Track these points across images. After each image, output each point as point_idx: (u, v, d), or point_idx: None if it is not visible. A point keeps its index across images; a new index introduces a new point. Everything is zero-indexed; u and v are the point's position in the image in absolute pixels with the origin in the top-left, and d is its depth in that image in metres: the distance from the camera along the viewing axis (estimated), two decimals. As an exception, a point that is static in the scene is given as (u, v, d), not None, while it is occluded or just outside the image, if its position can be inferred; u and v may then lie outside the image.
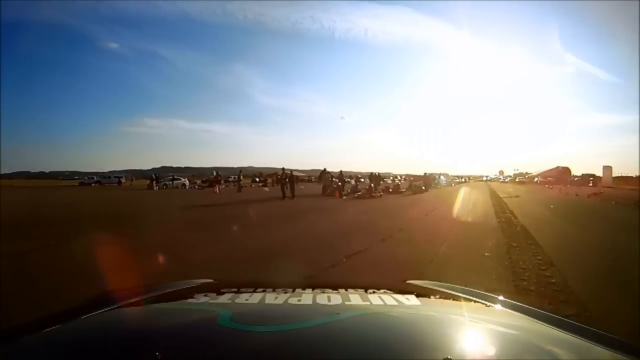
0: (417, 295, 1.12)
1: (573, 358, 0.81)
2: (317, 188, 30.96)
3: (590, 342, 0.83)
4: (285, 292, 1.08)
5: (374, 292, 1.11)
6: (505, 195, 23.11)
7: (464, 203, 16.87)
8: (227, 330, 0.81)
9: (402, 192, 26.15)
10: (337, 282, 1.76)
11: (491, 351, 0.80)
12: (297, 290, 1.13)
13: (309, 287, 1.18)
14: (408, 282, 1.55)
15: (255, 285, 1.16)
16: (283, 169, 20.56)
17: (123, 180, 55.70)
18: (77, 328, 0.93)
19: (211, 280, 1.48)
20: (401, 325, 0.91)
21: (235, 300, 1.03)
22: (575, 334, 0.88)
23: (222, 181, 29.18)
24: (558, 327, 0.92)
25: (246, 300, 1.01)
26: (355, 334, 0.82)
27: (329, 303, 0.97)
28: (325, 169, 23.21)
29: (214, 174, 28.88)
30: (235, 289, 1.14)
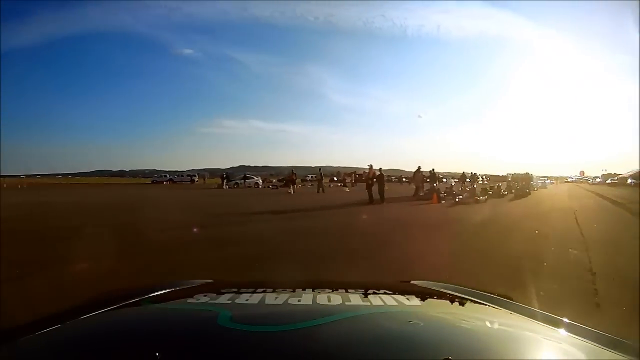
0: (418, 296, 1.19)
1: (573, 358, 0.81)
2: (401, 189, 28.46)
3: (590, 342, 0.83)
4: (285, 292, 1.09)
5: (374, 292, 1.10)
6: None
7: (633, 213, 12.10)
8: (226, 330, 0.80)
9: (504, 194, 22.17)
10: (337, 282, 1.59)
11: (491, 351, 0.79)
12: (297, 290, 1.14)
13: (309, 287, 1.17)
14: (408, 282, 1.55)
15: (255, 285, 1.17)
16: (370, 166, 17.35)
17: (196, 179, 57.18)
18: (77, 328, 0.93)
19: (211, 280, 1.50)
20: (401, 326, 0.90)
21: (235, 300, 1.04)
22: (576, 334, 0.88)
23: (296, 180, 27.30)
24: (558, 328, 0.92)
25: (246, 300, 1.02)
26: (356, 334, 0.82)
27: (329, 303, 0.98)
28: (419, 168, 19.92)
29: (291, 172, 27.14)
30: (236, 289, 1.16)
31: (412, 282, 1.54)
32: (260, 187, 37.62)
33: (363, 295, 1.08)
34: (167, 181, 55.21)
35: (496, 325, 0.97)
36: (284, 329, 0.80)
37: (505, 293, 1.31)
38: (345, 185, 38.42)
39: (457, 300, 1.20)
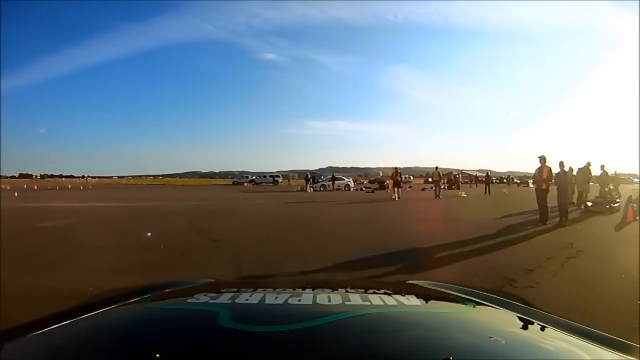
0: (417, 295, 1.16)
1: (573, 358, 0.80)
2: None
3: (590, 342, 0.83)
4: (286, 292, 1.07)
5: (374, 292, 1.09)
6: None
7: None
8: (226, 330, 0.79)
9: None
10: (338, 281, 1.67)
11: (492, 351, 0.78)
12: (297, 290, 1.13)
13: (309, 287, 1.16)
14: (408, 282, 1.56)
15: (255, 285, 1.18)
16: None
17: (280, 180, 53.72)
18: (77, 328, 0.93)
19: (211, 280, 1.49)
20: (401, 326, 0.90)
21: (235, 300, 1.03)
22: (576, 334, 0.88)
23: (401, 182, 19.97)
24: (558, 327, 0.92)
25: (246, 300, 1.01)
26: (356, 334, 0.82)
27: (329, 303, 0.97)
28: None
29: (395, 171, 19.14)
30: (236, 289, 1.15)
31: (407, 282, 1.55)
32: (351, 189, 31.06)
33: (363, 295, 1.05)
34: (248, 182, 52.62)
35: (496, 325, 0.99)
36: (284, 329, 0.79)
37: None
38: (452, 188, 30.51)
39: (457, 300, 1.18)
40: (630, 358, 0.76)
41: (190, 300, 1.10)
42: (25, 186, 37.20)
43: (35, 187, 36.00)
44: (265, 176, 55.46)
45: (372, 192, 27.21)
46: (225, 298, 1.06)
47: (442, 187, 20.33)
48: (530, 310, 1.08)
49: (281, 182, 53.32)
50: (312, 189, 28.47)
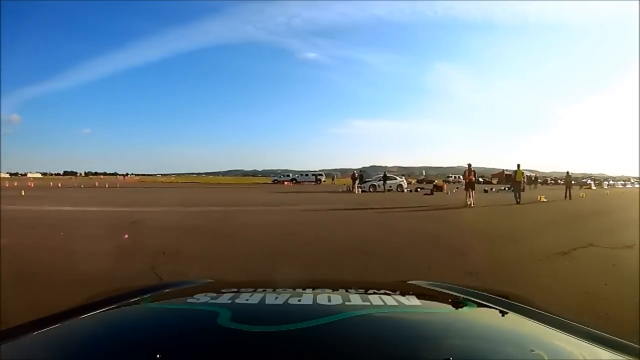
0: (417, 295, 1.16)
1: (573, 358, 0.80)
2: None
3: (590, 342, 0.83)
4: (286, 292, 1.08)
5: (374, 292, 1.09)
6: None
7: None
8: (226, 330, 0.79)
9: None
10: (337, 281, 1.68)
11: (491, 351, 0.79)
12: (297, 290, 1.13)
13: (309, 287, 1.17)
14: (408, 282, 1.56)
15: (255, 285, 1.17)
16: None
17: (323, 179, 51.49)
18: (77, 328, 0.93)
19: (211, 280, 1.51)
20: (401, 326, 0.90)
21: (235, 300, 1.03)
22: (576, 334, 0.87)
23: (475, 183, 16.54)
24: (558, 327, 0.92)
25: (246, 300, 1.01)
26: (356, 334, 0.81)
27: (329, 303, 0.96)
28: None
29: (468, 169, 15.74)
30: (236, 289, 1.15)
31: (407, 282, 1.56)
32: (405, 190, 27.68)
33: (363, 295, 1.05)
34: (289, 181, 51.05)
35: (496, 325, 1.00)
36: (284, 329, 0.79)
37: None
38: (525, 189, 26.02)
39: (457, 300, 1.19)
40: (631, 358, 0.76)
41: (190, 300, 1.09)
42: (29, 185, 37.12)
43: (57, 185, 36.52)
44: (307, 174, 53.41)
45: (431, 194, 24.06)
46: (225, 298, 1.06)
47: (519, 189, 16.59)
48: (530, 310, 1.07)
49: (324, 180, 51.04)
50: (360, 190, 25.79)
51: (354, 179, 28.45)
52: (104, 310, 1.01)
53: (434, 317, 0.99)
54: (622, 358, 0.76)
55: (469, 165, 15.89)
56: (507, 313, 1.04)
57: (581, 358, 0.80)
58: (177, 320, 0.96)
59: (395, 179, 29.09)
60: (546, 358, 0.76)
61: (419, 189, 29.18)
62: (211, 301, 1.02)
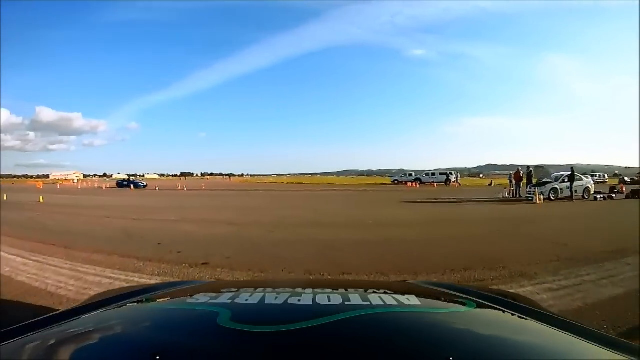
0: (417, 295, 1.12)
1: (573, 358, 0.80)
2: None
3: (590, 342, 0.83)
4: (285, 292, 1.07)
5: (374, 292, 1.08)
6: None
7: None
8: (226, 330, 0.79)
9: None
10: (337, 281, 1.66)
11: (491, 351, 0.78)
12: (297, 290, 1.12)
13: (309, 287, 1.15)
14: (408, 282, 1.63)
15: (255, 285, 1.18)
16: None
17: (452, 179, 43.64)
18: (77, 328, 0.92)
19: (212, 280, 1.79)
20: (401, 326, 0.90)
21: (235, 300, 1.02)
22: (576, 334, 0.87)
23: None
24: (558, 327, 0.91)
25: (246, 300, 1.00)
26: (355, 334, 0.81)
27: (329, 303, 0.96)
28: None
29: None
30: (236, 289, 1.14)
31: (407, 282, 1.60)
32: (592, 196, 18.47)
33: (363, 295, 1.04)
34: (412, 182, 44.67)
35: (496, 325, 0.99)
36: (284, 329, 0.79)
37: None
38: None
39: (457, 300, 1.18)
40: (631, 358, 0.76)
41: (190, 300, 1.10)
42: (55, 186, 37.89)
43: (106, 186, 36.92)
44: (433, 174, 45.71)
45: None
46: (225, 298, 1.05)
47: None
48: (530, 310, 1.08)
49: (453, 181, 43.18)
50: (540, 196, 17.78)
51: (518, 179, 20.73)
52: (104, 310, 1.04)
53: (434, 317, 0.98)
54: (622, 358, 0.76)
55: None
56: (507, 313, 1.05)
57: (581, 358, 0.79)
58: (177, 320, 0.96)
59: (582, 179, 19.51)
60: (546, 358, 0.77)
61: (605, 197, 18.97)
62: (211, 301, 1.01)
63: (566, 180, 18.77)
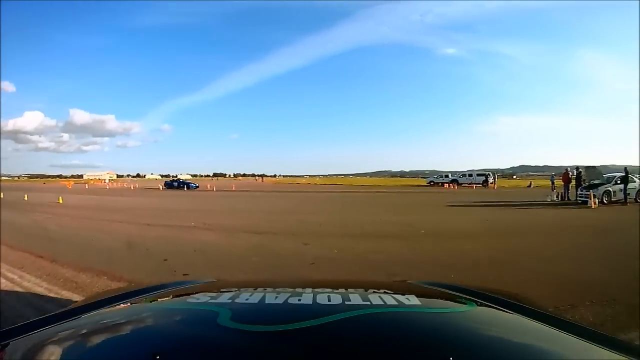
0: (417, 295, 1.11)
1: (573, 358, 0.80)
2: None
3: (590, 342, 0.83)
4: (285, 292, 1.07)
5: (374, 291, 1.08)
6: None
7: None
8: (226, 330, 0.79)
9: None
10: (337, 281, 1.59)
11: (492, 351, 0.78)
12: (297, 289, 1.12)
13: (309, 287, 1.15)
14: (408, 282, 1.56)
15: (255, 285, 1.17)
16: None
17: (491, 180, 40.79)
18: (77, 327, 0.92)
19: (212, 280, 1.51)
20: (401, 326, 0.89)
21: (235, 300, 1.02)
22: (576, 334, 0.87)
23: None
24: (558, 327, 0.91)
25: (246, 299, 1.00)
26: (355, 334, 0.81)
27: (329, 303, 0.96)
28: None
29: None
30: (236, 289, 1.16)
31: (407, 282, 1.55)
32: None
33: (363, 295, 1.03)
34: (449, 183, 42.09)
35: (496, 325, 0.98)
36: (284, 329, 0.79)
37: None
38: None
39: (457, 300, 1.16)
40: (631, 358, 0.76)
41: (190, 299, 1.09)
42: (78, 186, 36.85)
43: (134, 187, 35.21)
44: (470, 175, 42.97)
45: None
46: (225, 298, 1.04)
47: None
48: (530, 310, 1.07)
49: (491, 182, 40.28)
50: (594, 199, 15.20)
51: (567, 180, 18.58)
52: (104, 310, 1.04)
53: (434, 317, 0.97)
54: (622, 358, 0.76)
55: None
56: (507, 313, 1.05)
57: (581, 358, 0.79)
58: (177, 319, 0.95)
59: (635, 180, 16.85)
60: (546, 358, 0.77)
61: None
62: (211, 301, 1.01)
63: (619, 182, 16.46)
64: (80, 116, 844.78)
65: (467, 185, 40.51)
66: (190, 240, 7.66)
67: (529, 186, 40.29)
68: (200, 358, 0.71)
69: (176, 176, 62.16)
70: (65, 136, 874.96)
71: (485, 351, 0.77)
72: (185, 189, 37.36)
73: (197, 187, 39.11)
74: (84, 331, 0.89)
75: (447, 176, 45.29)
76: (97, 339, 0.83)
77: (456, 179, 42.63)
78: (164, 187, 39.44)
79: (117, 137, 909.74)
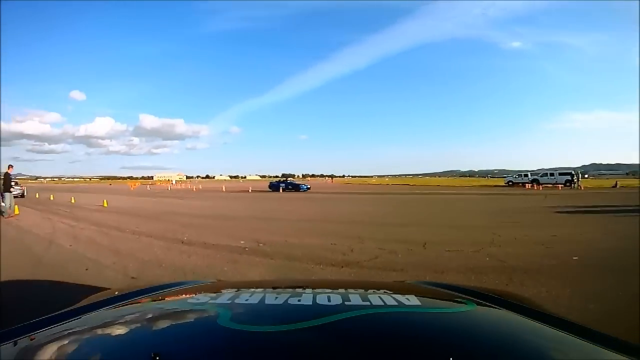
0: (417, 295, 1.11)
1: (573, 358, 0.79)
2: None
3: (590, 342, 0.82)
4: (285, 292, 1.07)
5: (374, 292, 1.07)
6: None
7: None
8: (227, 330, 0.79)
9: None
10: (337, 281, 1.62)
11: (491, 351, 0.77)
12: (297, 290, 1.12)
13: (309, 287, 1.14)
14: (408, 282, 1.55)
15: (255, 285, 1.19)
16: None
17: (575, 179, 35.09)
18: (77, 327, 0.92)
19: (212, 280, 1.52)
20: (401, 326, 0.88)
21: (235, 300, 1.01)
22: (576, 334, 0.86)
23: None
24: (558, 327, 0.90)
25: (246, 300, 1.00)
26: (355, 334, 0.81)
27: (329, 303, 0.95)
28: None
29: None
30: (236, 289, 1.14)
31: (407, 282, 1.54)
32: None
33: (363, 295, 1.03)
34: (529, 183, 37.34)
35: (496, 325, 0.97)
36: (284, 329, 0.79)
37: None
38: None
39: (457, 300, 1.15)
40: (630, 358, 0.75)
41: (190, 300, 1.10)
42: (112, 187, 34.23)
43: (199, 187, 32.18)
44: (552, 174, 37.40)
45: None
46: (225, 298, 1.04)
47: None
48: (530, 310, 1.07)
49: (575, 182, 34.62)
50: None
51: None
52: (104, 310, 1.03)
53: (434, 317, 0.97)
54: (622, 358, 0.76)
55: None
56: (507, 313, 1.04)
57: (581, 358, 0.79)
58: (178, 320, 0.94)
59: None
60: (546, 358, 0.77)
61: None
62: (211, 301, 1.01)
63: None
64: (149, 121, 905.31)
65: (549, 185, 35.32)
66: (232, 277, 4.85)
67: (615, 186, 35.61)
68: (201, 358, 0.70)
69: (237, 177, 58.87)
70: (136, 140, 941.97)
71: (485, 351, 0.77)
72: (294, 190, 32.88)
73: (309, 188, 34.09)
74: (85, 332, 0.89)
75: (526, 176, 39.68)
76: (97, 340, 0.84)
77: (537, 179, 37.36)
78: (268, 189, 34.48)
79: (187, 139, 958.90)
